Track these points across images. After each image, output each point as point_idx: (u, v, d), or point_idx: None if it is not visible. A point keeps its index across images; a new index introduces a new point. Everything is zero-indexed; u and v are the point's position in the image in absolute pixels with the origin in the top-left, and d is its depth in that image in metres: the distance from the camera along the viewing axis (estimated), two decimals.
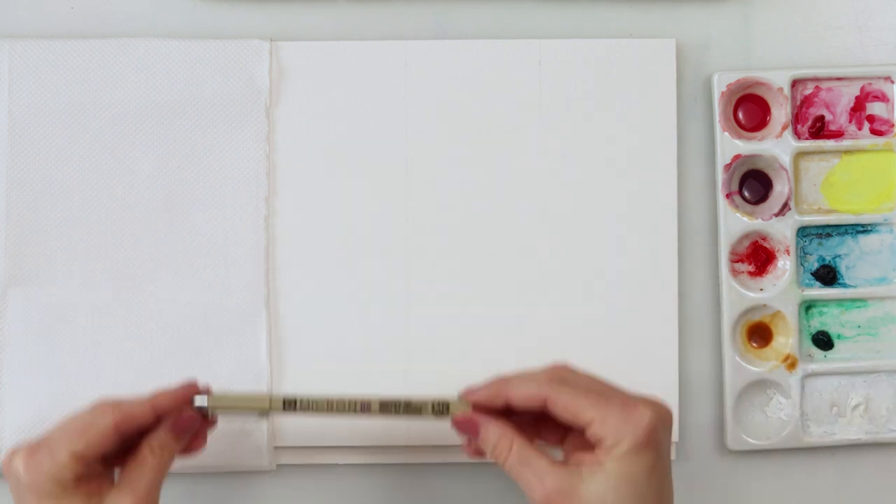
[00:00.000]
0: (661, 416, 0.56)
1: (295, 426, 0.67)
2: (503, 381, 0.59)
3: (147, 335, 0.66)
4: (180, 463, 0.66)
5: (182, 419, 0.58)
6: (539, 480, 0.56)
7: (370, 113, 0.67)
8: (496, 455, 0.58)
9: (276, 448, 0.67)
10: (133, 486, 0.57)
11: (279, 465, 0.68)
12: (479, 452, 0.59)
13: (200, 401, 0.59)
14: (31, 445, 0.56)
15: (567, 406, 0.56)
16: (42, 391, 0.66)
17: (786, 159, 0.68)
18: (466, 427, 0.59)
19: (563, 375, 0.58)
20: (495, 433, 0.58)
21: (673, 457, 0.68)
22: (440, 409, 0.59)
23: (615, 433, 0.55)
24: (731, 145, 0.68)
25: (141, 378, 0.66)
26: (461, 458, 0.67)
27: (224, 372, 0.66)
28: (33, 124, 0.66)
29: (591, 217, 0.67)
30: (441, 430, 0.66)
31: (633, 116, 0.68)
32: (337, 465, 0.68)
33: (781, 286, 0.68)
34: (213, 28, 0.68)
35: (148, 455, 0.57)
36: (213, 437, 0.66)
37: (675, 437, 0.68)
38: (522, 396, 0.57)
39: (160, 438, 0.58)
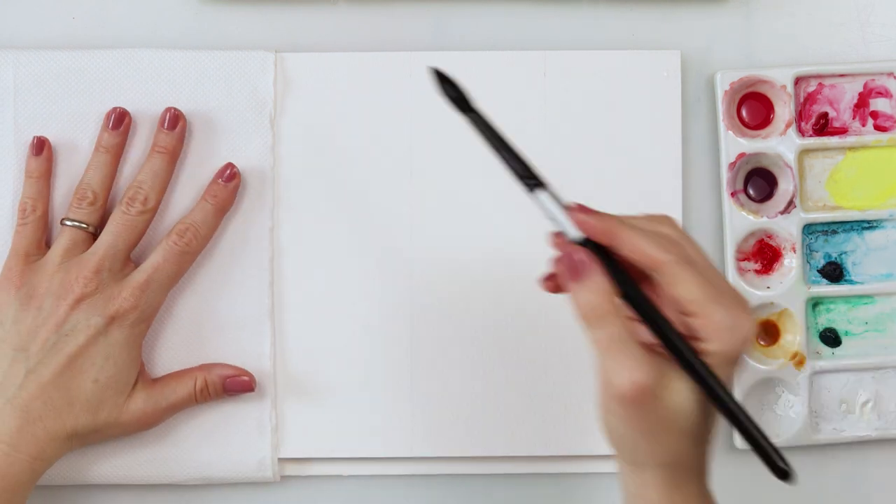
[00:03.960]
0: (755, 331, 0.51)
1: (299, 438, 0.67)
2: (618, 221, 0.50)
3: (151, 344, 0.66)
4: (185, 475, 0.66)
5: (236, 382, 0.65)
6: (628, 370, 0.48)
7: (375, 124, 0.67)
8: (592, 317, 0.49)
9: (281, 460, 0.67)
10: (160, 395, 0.64)
11: (283, 477, 0.68)
12: (559, 289, 0.51)
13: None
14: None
15: (683, 286, 0.48)
16: None
17: (790, 157, 0.68)
18: (570, 264, 0.50)
19: (681, 244, 0.50)
20: (603, 290, 0.49)
21: None
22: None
23: (719, 337, 0.48)
24: (735, 144, 0.68)
25: None
26: (468, 470, 0.67)
27: None
28: (39, 134, 0.66)
29: None
30: (446, 441, 0.67)
31: (638, 124, 0.68)
32: (341, 476, 0.68)
33: (788, 284, 0.68)
34: (216, 38, 0.68)
35: (191, 386, 0.65)
36: (218, 448, 0.66)
37: None
38: (637, 250, 0.49)
39: (213, 384, 0.65)
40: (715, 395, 0.49)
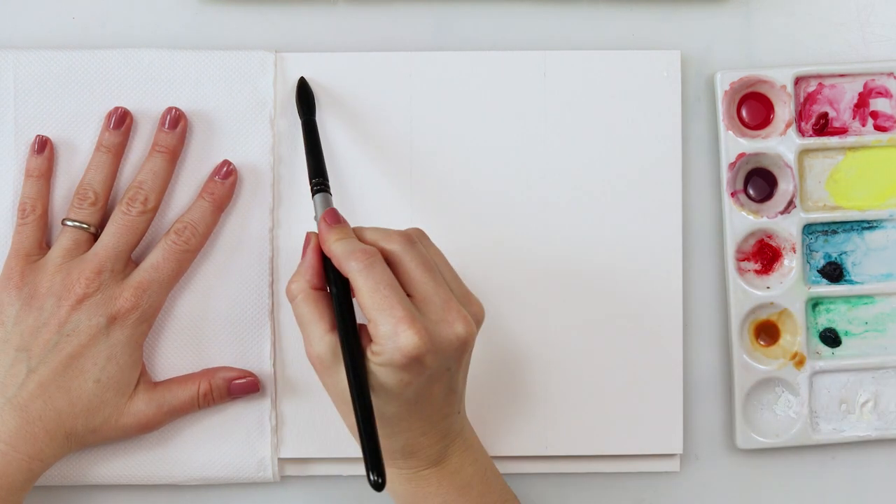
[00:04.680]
0: (439, 343, 0.56)
1: (299, 438, 0.67)
2: (333, 229, 0.58)
3: (151, 344, 0.66)
4: (185, 475, 0.66)
5: (242, 385, 0.65)
6: (309, 343, 0.57)
7: (375, 124, 0.67)
8: (289, 295, 0.59)
9: (281, 460, 0.67)
10: (161, 399, 0.64)
11: (283, 477, 0.68)
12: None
13: None
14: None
15: (358, 293, 0.56)
16: None
17: (790, 157, 0.68)
18: (303, 249, 0.60)
19: (395, 254, 0.58)
20: (303, 275, 0.59)
21: (679, 451, 0.68)
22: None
23: (379, 342, 0.55)
24: (735, 144, 0.68)
25: None
26: None
27: None
28: (39, 134, 0.66)
29: (596, 219, 0.68)
30: None
31: (638, 124, 0.68)
32: (341, 476, 0.68)
33: (788, 284, 0.68)
34: (216, 38, 0.68)
35: (194, 391, 0.65)
36: (218, 448, 0.66)
37: (683, 437, 0.68)
38: (332, 257, 0.58)
39: (218, 388, 0.65)
40: (351, 386, 0.55)
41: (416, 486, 0.60)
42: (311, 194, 0.62)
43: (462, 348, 0.57)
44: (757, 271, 0.69)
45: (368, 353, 0.56)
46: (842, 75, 0.69)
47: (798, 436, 0.68)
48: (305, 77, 0.67)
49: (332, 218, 0.59)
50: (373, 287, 0.55)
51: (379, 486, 0.53)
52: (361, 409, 0.54)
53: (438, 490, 0.60)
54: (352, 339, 0.56)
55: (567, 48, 0.68)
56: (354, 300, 0.57)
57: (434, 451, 0.59)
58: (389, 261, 0.57)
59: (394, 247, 0.58)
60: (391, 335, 0.55)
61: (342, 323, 0.57)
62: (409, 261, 0.57)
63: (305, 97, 0.66)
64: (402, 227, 0.66)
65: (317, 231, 0.60)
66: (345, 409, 0.58)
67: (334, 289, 0.58)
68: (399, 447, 0.59)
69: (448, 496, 0.60)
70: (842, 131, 0.69)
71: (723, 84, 0.68)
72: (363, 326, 0.57)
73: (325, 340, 0.57)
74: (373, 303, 0.55)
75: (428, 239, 0.60)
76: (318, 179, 0.62)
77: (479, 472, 0.61)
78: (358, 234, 0.59)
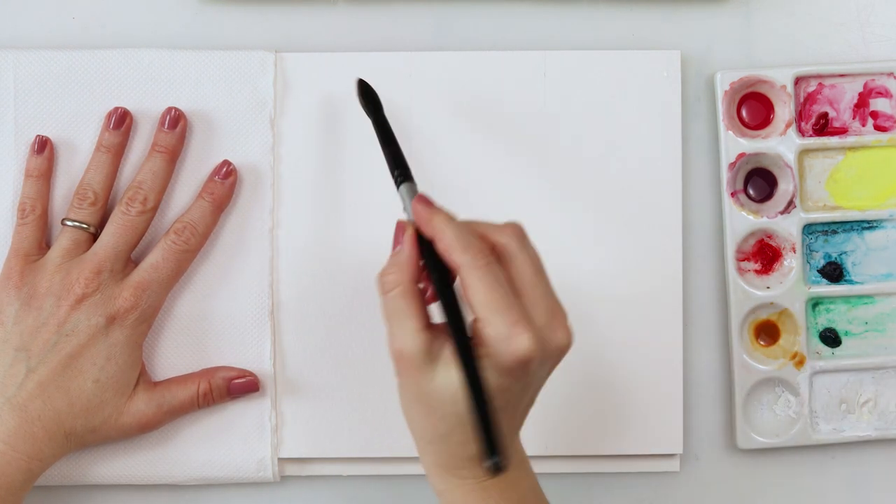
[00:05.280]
0: (547, 350, 0.53)
1: (299, 438, 0.67)
2: (443, 217, 0.55)
3: (151, 344, 0.66)
4: (184, 475, 0.66)
5: (242, 385, 0.65)
6: (399, 337, 0.53)
7: None
8: (383, 283, 0.54)
9: (281, 460, 0.67)
10: (161, 398, 0.64)
11: (284, 477, 0.68)
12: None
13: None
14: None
15: (471, 290, 0.52)
16: None
17: (790, 157, 0.68)
18: (394, 236, 0.56)
19: (507, 253, 0.54)
20: (403, 263, 0.54)
21: (679, 451, 0.68)
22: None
23: (488, 342, 0.52)
24: (735, 144, 0.68)
25: None
26: None
27: None
28: (39, 134, 0.66)
29: (596, 219, 0.68)
30: None
31: (638, 124, 0.68)
32: (341, 476, 0.68)
33: (788, 284, 0.68)
34: (216, 38, 0.68)
35: (194, 390, 0.65)
36: (218, 448, 0.66)
37: (683, 437, 0.68)
38: (443, 248, 0.54)
39: (218, 388, 0.65)
40: (469, 384, 0.51)
41: (476, 498, 0.57)
42: (395, 187, 0.58)
43: (559, 358, 0.55)
44: (757, 271, 0.69)
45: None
46: (842, 75, 0.69)
47: (798, 436, 0.68)
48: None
49: (429, 202, 0.55)
50: (490, 285, 0.52)
51: (502, 467, 0.50)
52: (479, 400, 0.51)
53: (498, 503, 0.57)
54: (466, 336, 0.52)
55: (567, 48, 0.68)
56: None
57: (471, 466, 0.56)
58: (499, 256, 0.54)
59: (507, 241, 0.54)
60: (504, 337, 0.52)
61: (454, 317, 0.53)
62: (523, 260, 0.54)
63: (370, 97, 0.63)
64: None
65: (410, 220, 0.56)
66: (420, 411, 0.55)
67: (439, 281, 0.54)
68: (470, 454, 0.55)
69: None
70: (842, 131, 0.69)
71: (723, 84, 0.68)
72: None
73: (419, 338, 0.53)
74: (488, 301, 0.52)
75: (529, 237, 0.56)
76: (400, 171, 0.58)
77: (532, 487, 0.59)
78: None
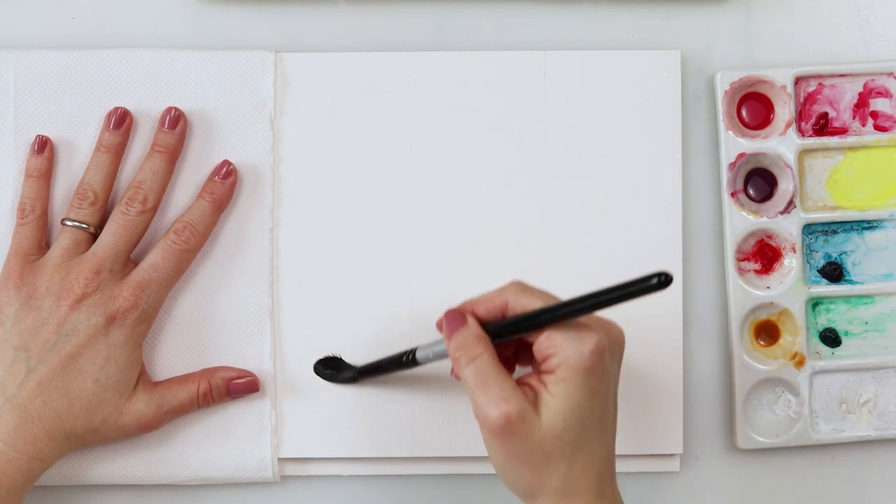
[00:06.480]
0: (612, 340, 0.55)
1: (299, 438, 0.67)
2: (469, 300, 0.58)
3: (151, 344, 0.66)
4: (185, 475, 0.66)
5: (241, 385, 0.65)
6: (495, 401, 0.53)
7: (375, 124, 0.67)
8: (461, 356, 0.55)
9: (281, 460, 0.67)
10: (161, 398, 0.64)
11: (283, 477, 0.68)
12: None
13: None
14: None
15: (526, 303, 0.56)
16: None
17: (790, 157, 0.68)
18: (447, 324, 0.57)
19: (523, 286, 0.58)
20: (473, 333, 0.56)
21: (679, 451, 0.68)
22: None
23: (562, 352, 0.54)
24: (735, 144, 0.68)
25: None
26: (467, 470, 0.67)
27: None
28: (39, 134, 0.66)
29: (596, 219, 0.68)
30: (446, 441, 0.67)
31: (638, 124, 0.68)
32: (341, 476, 0.68)
33: (788, 284, 0.68)
34: (216, 38, 0.68)
35: (194, 390, 0.65)
36: (218, 448, 0.66)
37: (683, 437, 0.68)
38: (484, 306, 0.57)
39: (218, 388, 0.65)
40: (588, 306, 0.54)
41: None
42: (416, 363, 0.61)
43: (621, 349, 0.57)
44: (757, 271, 0.69)
45: (549, 381, 0.54)
46: (842, 75, 0.69)
47: (798, 436, 0.68)
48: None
49: (456, 310, 0.58)
50: (530, 299, 0.56)
51: (668, 281, 0.52)
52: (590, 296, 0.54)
53: None
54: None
55: (567, 48, 0.68)
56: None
57: (591, 492, 0.55)
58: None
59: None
60: (575, 339, 0.54)
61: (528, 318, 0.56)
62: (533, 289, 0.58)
63: (333, 367, 0.66)
64: (401, 226, 0.67)
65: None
66: (531, 466, 0.54)
67: (502, 328, 0.57)
68: (557, 485, 0.54)
69: None
70: (842, 131, 0.69)
71: (723, 84, 0.68)
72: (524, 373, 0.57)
73: (520, 394, 0.54)
74: (552, 332, 0.55)
75: None
76: (405, 356, 0.62)
77: None
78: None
